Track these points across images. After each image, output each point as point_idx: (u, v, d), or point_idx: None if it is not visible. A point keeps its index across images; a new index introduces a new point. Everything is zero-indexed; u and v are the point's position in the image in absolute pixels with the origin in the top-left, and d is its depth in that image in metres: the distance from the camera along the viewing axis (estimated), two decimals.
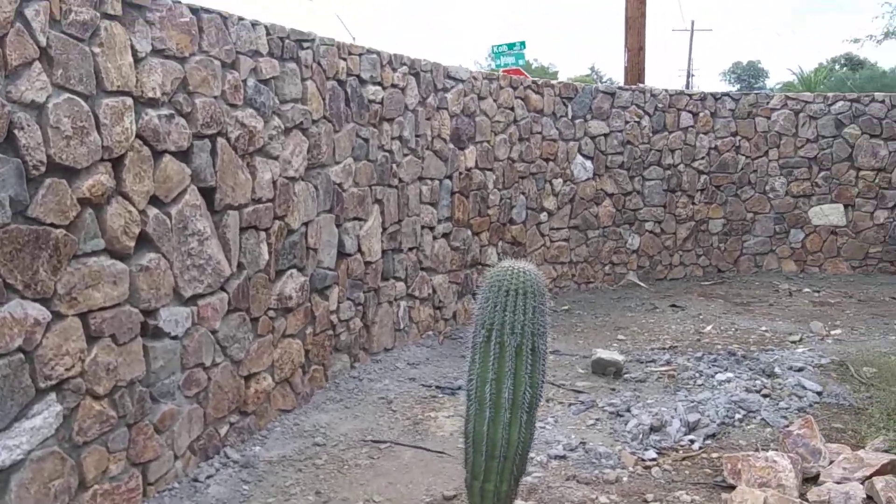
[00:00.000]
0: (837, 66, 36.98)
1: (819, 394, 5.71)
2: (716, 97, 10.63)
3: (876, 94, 10.78)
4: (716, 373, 6.19)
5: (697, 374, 6.18)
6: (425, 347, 6.90)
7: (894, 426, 4.96)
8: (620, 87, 9.75)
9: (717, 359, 6.58)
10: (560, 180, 9.13)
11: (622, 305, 8.99)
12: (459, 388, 5.85)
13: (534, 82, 8.62)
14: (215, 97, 4.21)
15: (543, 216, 8.97)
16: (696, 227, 10.66)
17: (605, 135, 9.59)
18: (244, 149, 4.47)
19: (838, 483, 4.09)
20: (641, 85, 10.02)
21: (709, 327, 7.86)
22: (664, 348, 7.07)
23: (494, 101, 7.93)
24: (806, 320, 8.20)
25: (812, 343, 7.25)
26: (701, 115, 10.47)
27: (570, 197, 9.29)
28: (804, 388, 5.78)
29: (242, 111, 4.46)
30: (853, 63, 36.16)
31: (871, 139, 10.67)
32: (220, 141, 4.27)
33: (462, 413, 5.42)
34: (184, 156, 4.01)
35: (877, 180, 10.74)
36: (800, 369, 6.31)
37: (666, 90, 10.19)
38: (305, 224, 5.19)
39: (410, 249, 6.75)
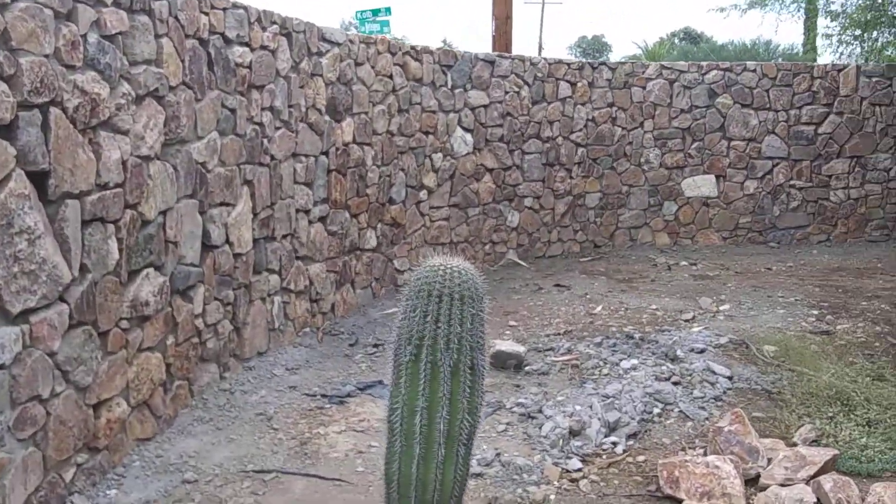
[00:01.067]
0: (677, 40, 38.35)
1: (730, 378, 5.46)
2: (593, 66, 10.34)
3: (748, 63, 10.87)
4: (620, 360, 5.82)
5: (601, 363, 5.78)
6: (304, 347, 6.14)
7: (817, 412, 4.73)
8: (500, 55, 9.23)
9: (616, 343, 6.23)
10: (440, 155, 8.53)
11: (506, 287, 8.54)
12: (349, 394, 5.17)
13: (412, 48, 7.93)
14: (46, 56, 3.27)
15: (423, 194, 8.35)
16: (574, 202, 10.38)
17: (485, 106, 9.06)
18: (85, 122, 3.54)
19: (783, 486, 3.75)
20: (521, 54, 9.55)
21: (598, 308, 7.53)
22: (559, 333, 6.65)
23: (372, 67, 7.18)
24: (692, 296, 8.06)
25: (705, 320, 7.07)
26: (579, 84, 10.15)
27: (450, 173, 8.71)
28: (714, 372, 5.51)
29: (82, 74, 3.52)
30: (691, 37, 37.62)
31: (743, 109, 10.74)
32: (54, 112, 3.33)
33: (357, 427, 4.78)
34: (6, 131, 3.07)
35: (747, 150, 10.85)
36: (702, 351, 6.06)
37: (545, 59, 9.78)
38: (163, 213, 4.29)
39: (285, 237, 5.95)
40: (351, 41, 6.79)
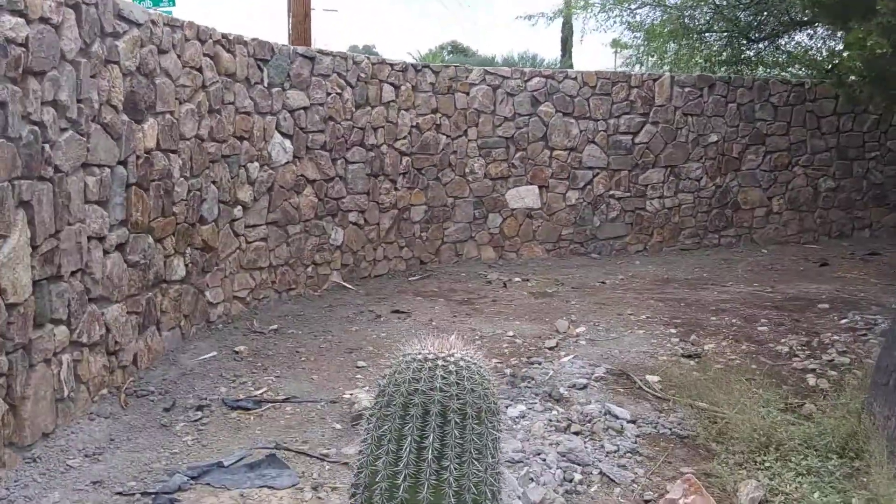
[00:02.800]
0: (446, 53, 38.90)
1: (633, 422, 4.80)
2: (416, 69, 9.49)
3: (569, 70, 10.55)
4: (505, 405, 4.98)
5: None
6: (104, 419, 4.66)
7: (750, 461, 4.16)
8: (321, 51, 8.09)
9: None
10: (256, 164, 7.24)
11: (339, 316, 7.44)
12: (180, 488, 3.87)
13: (224, 37, 6.59)
14: None
15: (238, 211, 7.03)
16: (399, 216, 9.48)
17: (306, 108, 7.89)
18: None
19: None
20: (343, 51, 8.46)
21: (452, 338, 6.65)
22: None
23: (179, 56, 5.79)
24: (542, 317, 7.45)
25: (569, 346, 6.44)
26: (402, 88, 9.25)
27: (268, 185, 7.44)
28: (615, 416, 4.83)
29: None
30: (458, 50, 38.30)
31: (565, 117, 10.42)
32: None
33: None
34: None
35: (569, 160, 10.54)
36: (584, 387, 5.39)
37: (368, 57, 8.78)
38: None
39: (74, 274, 4.47)
40: (154, 22, 5.37)
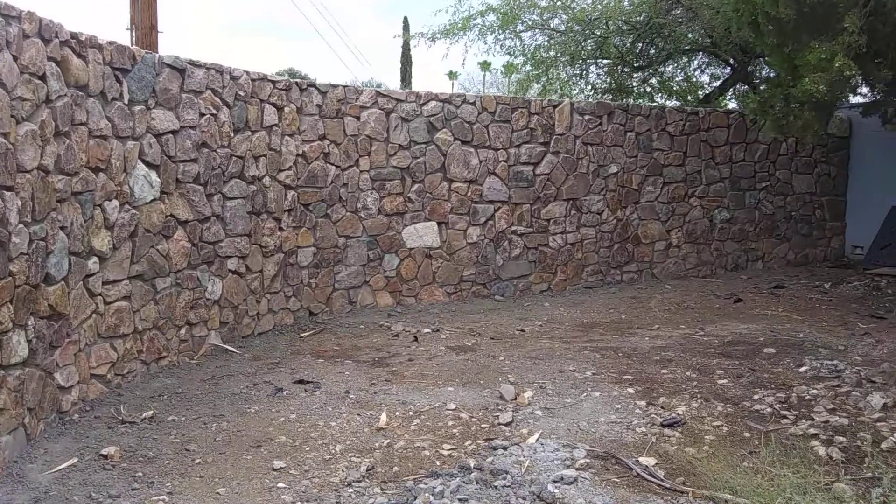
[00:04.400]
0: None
1: None
2: (301, 88, 8.14)
3: (467, 94, 9.55)
4: None
5: None
6: None
7: None
8: (192, 62, 6.57)
9: (460, 487, 4.15)
10: (115, 203, 5.65)
11: (229, 392, 5.93)
12: None
13: (74, 37, 5.01)
14: None
15: (94, 263, 5.41)
16: (285, 260, 8.05)
17: (175, 132, 6.36)
18: None
19: None
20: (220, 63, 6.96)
21: (382, 416, 5.36)
22: (362, 477, 4.35)
23: (15, 58, 4.21)
24: (475, 380, 6.30)
25: (526, 420, 5.32)
26: (286, 110, 7.88)
27: (130, 229, 5.85)
28: None
29: None
30: (295, 76, 37.08)
31: (464, 146, 9.40)
32: None
33: None
34: None
35: (469, 193, 9.52)
36: (573, 480, 4.28)
37: (247, 72, 7.34)
38: None
39: None
40: None
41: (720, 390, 5.98)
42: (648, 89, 14.50)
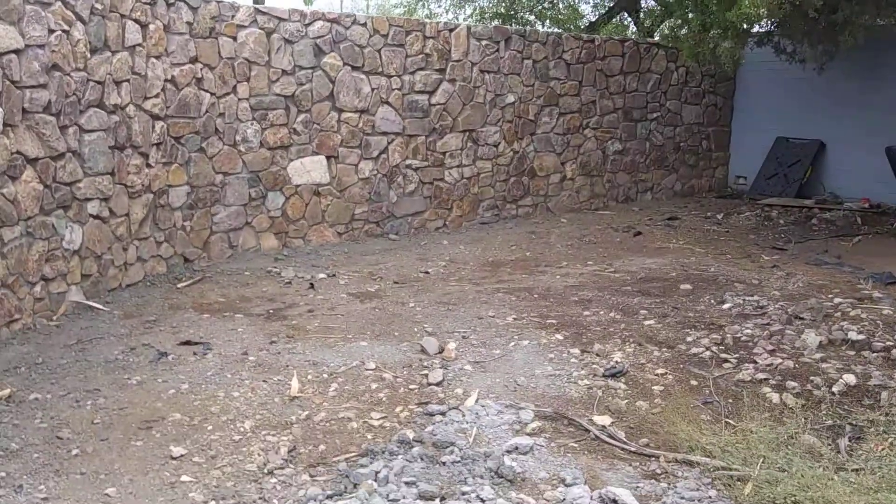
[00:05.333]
0: None
1: None
2: (168, 2, 6.99)
3: (358, 14, 8.59)
4: None
5: None
6: None
7: None
8: None
9: (404, 467, 3.53)
10: None
11: (102, 360, 5.00)
12: None
13: None
14: None
15: None
16: (155, 202, 7.02)
17: (19, 52, 5.17)
18: None
19: None
20: None
21: (294, 382, 4.64)
22: (284, 462, 3.66)
23: None
24: (390, 332, 5.67)
25: (457, 377, 4.76)
26: (152, 27, 6.74)
27: None
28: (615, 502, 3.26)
29: None
30: None
31: (354, 72, 8.52)
32: None
33: None
34: None
35: (361, 124, 8.69)
36: (528, 449, 3.78)
37: None
38: None
39: None
40: None
41: (650, 332, 5.63)
42: (531, 17, 13.97)
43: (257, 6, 7.78)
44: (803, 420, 4.14)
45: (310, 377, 4.73)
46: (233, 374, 4.77)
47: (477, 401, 4.36)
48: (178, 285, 6.93)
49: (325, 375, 4.76)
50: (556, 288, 6.95)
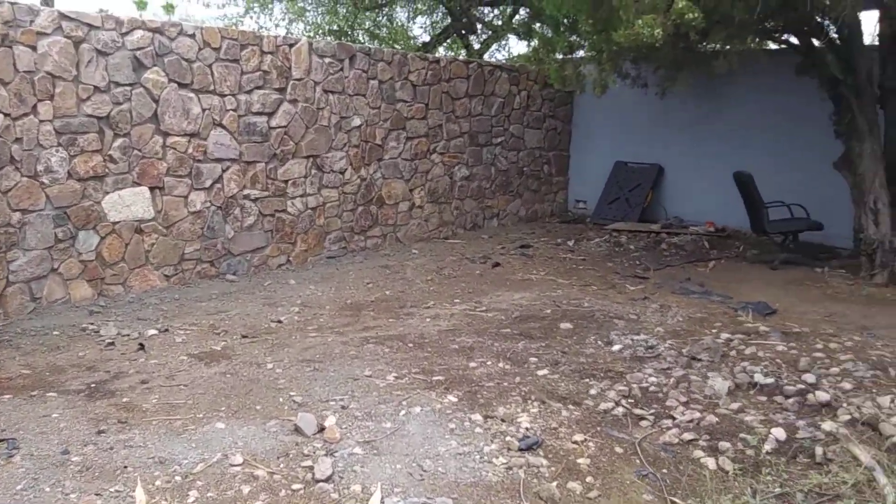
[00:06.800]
0: None
1: None
2: None
3: (185, 24, 7.43)
4: None
5: None
6: None
7: None
8: None
9: None
10: None
11: None
12: None
13: None
14: None
15: None
16: None
17: None
18: None
19: None
20: None
21: (139, 494, 3.58)
22: None
23: None
24: (249, 406, 4.70)
25: (347, 466, 3.90)
26: None
27: None
28: None
29: None
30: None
31: (181, 90, 7.38)
32: None
33: None
34: None
35: (191, 150, 7.56)
36: None
37: None
38: None
39: None
40: None
41: (548, 385, 5.05)
42: (360, 34, 13.28)
43: (61, 10, 6.47)
44: (750, 490, 3.68)
45: (159, 483, 3.68)
46: (52, 486, 3.62)
47: (382, 501, 3.53)
48: None
49: (179, 479, 3.73)
50: (430, 334, 6.23)
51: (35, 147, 6.42)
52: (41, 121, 6.44)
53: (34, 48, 6.31)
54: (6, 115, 6.15)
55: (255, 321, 6.59)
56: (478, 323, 6.57)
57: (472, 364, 5.47)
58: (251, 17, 11.28)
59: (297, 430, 4.28)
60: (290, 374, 5.26)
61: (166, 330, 6.27)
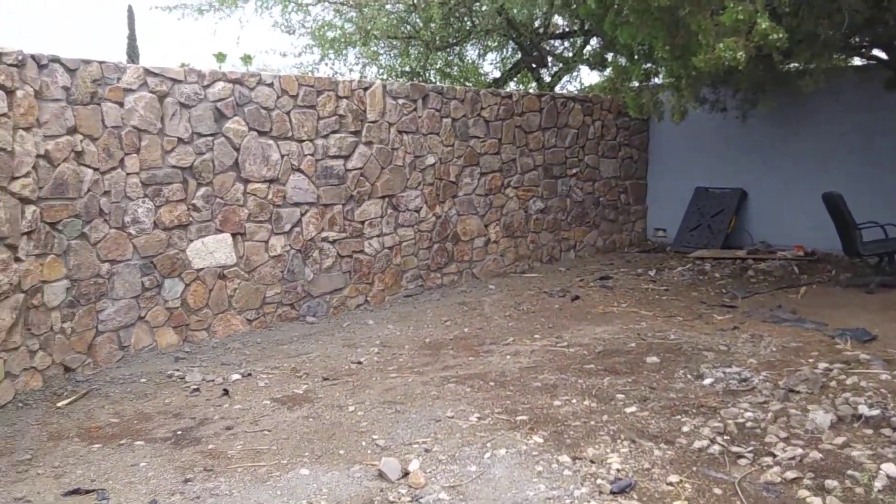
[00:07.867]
0: None
1: None
2: (40, 63, 5.86)
3: (263, 74, 7.64)
4: None
5: None
6: None
7: None
8: None
9: None
10: None
11: None
12: None
13: None
14: None
15: None
16: (26, 302, 5.78)
17: None
18: None
19: None
20: None
21: None
22: None
23: None
24: (332, 450, 4.67)
25: None
26: (20, 93, 5.60)
27: None
28: None
29: None
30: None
31: (261, 138, 7.55)
32: None
33: None
34: None
35: (270, 195, 7.70)
36: None
37: None
38: None
39: None
40: None
41: (638, 424, 4.86)
42: (432, 73, 13.41)
43: (147, 66, 6.72)
44: None
45: None
46: None
47: None
48: (59, 404, 5.67)
49: None
50: (512, 371, 6.11)
51: (122, 199, 6.64)
52: (128, 173, 6.66)
53: (121, 104, 6.55)
54: (95, 169, 6.39)
55: (336, 363, 6.60)
56: (560, 359, 6.42)
57: (557, 402, 5.33)
58: (326, 64, 11.55)
59: (381, 475, 4.22)
60: (372, 416, 5.22)
61: (249, 374, 6.33)
